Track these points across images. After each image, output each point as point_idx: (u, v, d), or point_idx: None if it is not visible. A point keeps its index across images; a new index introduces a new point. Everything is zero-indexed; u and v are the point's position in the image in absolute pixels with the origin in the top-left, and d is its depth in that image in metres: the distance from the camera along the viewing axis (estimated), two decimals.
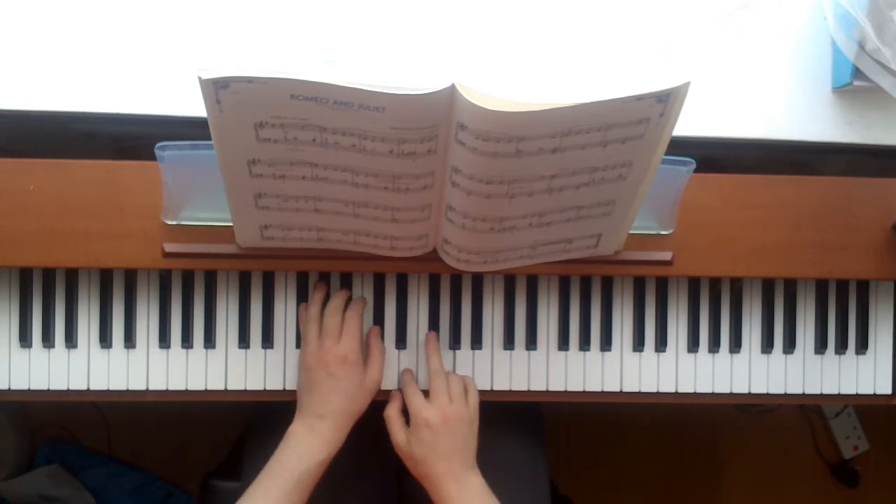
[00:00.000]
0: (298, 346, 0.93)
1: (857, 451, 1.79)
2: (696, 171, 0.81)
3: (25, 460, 1.55)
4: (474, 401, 0.90)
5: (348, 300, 0.91)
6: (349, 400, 0.86)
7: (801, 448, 1.79)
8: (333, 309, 0.89)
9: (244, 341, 0.93)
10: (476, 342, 0.94)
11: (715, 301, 0.97)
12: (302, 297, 0.93)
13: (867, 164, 1.03)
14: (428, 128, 0.68)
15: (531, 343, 0.95)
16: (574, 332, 0.96)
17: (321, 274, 0.93)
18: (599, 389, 0.96)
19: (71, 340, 0.91)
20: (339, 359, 0.86)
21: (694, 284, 0.97)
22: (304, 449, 0.84)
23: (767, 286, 0.98)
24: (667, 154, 0.75)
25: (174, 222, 0.85)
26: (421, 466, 0.86)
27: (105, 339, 0.92)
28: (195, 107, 0.83)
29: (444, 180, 0.74)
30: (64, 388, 0.92)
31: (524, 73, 0.92)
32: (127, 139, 1.01)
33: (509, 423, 1.03)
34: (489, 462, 0.97)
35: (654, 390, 0.97)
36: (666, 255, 0.89)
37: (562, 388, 0.96)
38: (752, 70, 0.94)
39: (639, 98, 0.66)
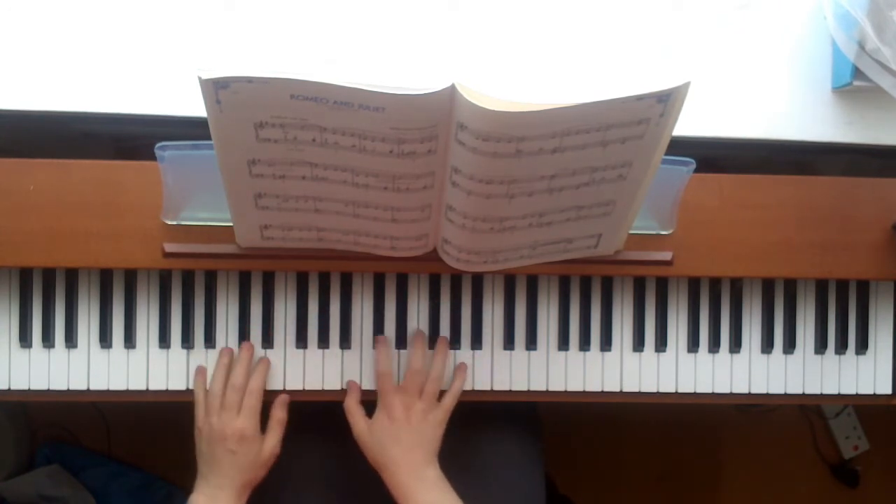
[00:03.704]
0: (298, 345, 0.93)
1: (857, 451, 1.79)
2: (696, 171, 0.81)
3: (25, 460, 1.55)
4: (450, 402, 0.90)
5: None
6: (245, 472, 0.87)
7: (801, 448, 1.79)
8: (236, 384, 0.89)
9: (244, 341, 0.92)
10: (476, 342, 0.94)
11: (715, 301, 0.97)
12: (302, 298, 0.93)
13: (867, 164, 1.03)
14: (428, 128, 0.68)
15: (531, 343, 0.95)
16: (574, 332, 0.96)
17: (321, 274, 0.93)
18: (599, 389, 0.96)
19: (71, 340, 0.91)
20: (238, 435, 0.87)
21: (694, 284, 0.97)
22: None
23: (767, 286, 0.98)
24: (667, 154, 0.75)
25: (174, 222, 0.85)
26: (379, 457, 0.87)
27: (105, 339, 0.92)
28: (195, 107, 0.83)
29: (444, 180, 0.74)
30: (64, 388, 0.92)
31: (524, 73, 0.92)
32: (127, 139, 1.01)
33: (506, 422, 1.03)
34: (486, 462, 0.97)
35: (654, 390, 0.97)
36: (666, 255, 0.89)
37: (562, 389, 0.96)
38: (752, 70, 0.94)
39: (639, 98, 0.66)
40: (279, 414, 0.91)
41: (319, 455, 0.98)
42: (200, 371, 0.91)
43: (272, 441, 0.89)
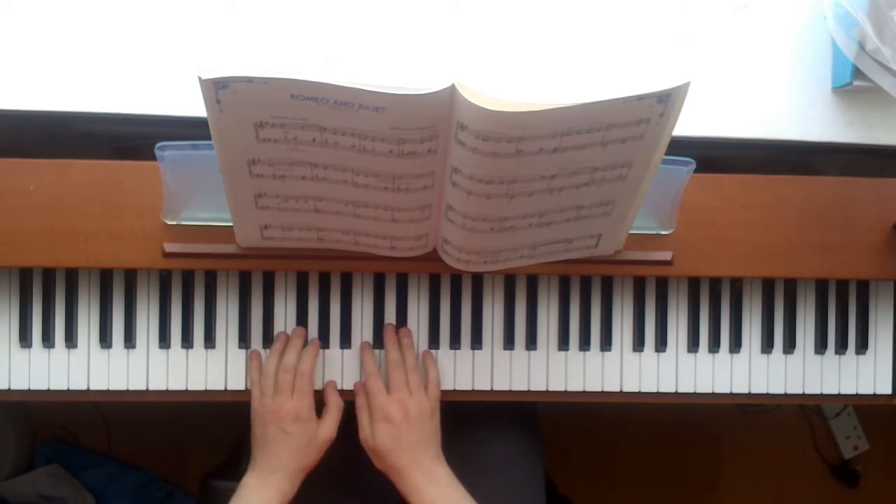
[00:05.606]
0: None
1: (857, 451, 1.79)
2: (696, 171, 0.81)
3: (25, 460, 1.55)
4: (434, 391, 0.90)
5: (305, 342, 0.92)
6: (300, 455, 0.87)
7: (801, 448, 1.79)
8: (287, 364, 0.89)
9: (244, 341, 0.93)
10: (476, 342, 0.94)
11: (715, 301, 0.97)
12: (302, 297, 0.93)
13: (867, 164, 1.03)
14: (428, 128, 0.68)
15: (531, 343, 0.95)
16: (574, 332, 0.96)
17: (321, 274, 0.93)
18: (599, 389, 0.96)
19: (71, 340, 0.91)
20: (292, 415, 0.87)
21: (694, 284, 0.97)
22: (257, 501, 0.85)
23: (767, 286, 0.98)
24: (667, 154, 0.75)
25: (174, 222, 0.85)
26: (386, 459, 0.87)
27: (105, 339, 0.92)
28: (195, 107, 0.83)
29: (444, 180, 0.74)
30: (64, 388, 0.92)
31: (524, 73, 0.92)
32: (127, 139, 1.01)
33: (505, 422, 1.03)
34: (486, 462, 0.97)
35: (654, 390, 0.97)
36: (666, 255, 0.89)
37: (562, 388, 0.96)
38: (752, 70, 0.94)
39: (639, 98, 0.66)
40: (335, 399, 0.90)
41: (325, 453, 0.98)
42: (255, 355, 0.91)
43: (329, 425, 0.89)
